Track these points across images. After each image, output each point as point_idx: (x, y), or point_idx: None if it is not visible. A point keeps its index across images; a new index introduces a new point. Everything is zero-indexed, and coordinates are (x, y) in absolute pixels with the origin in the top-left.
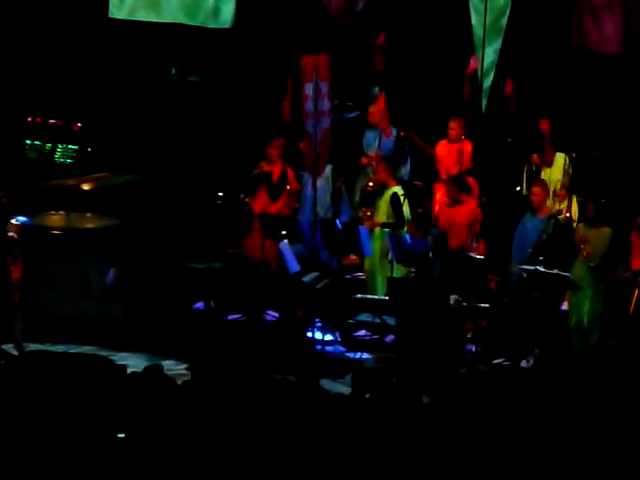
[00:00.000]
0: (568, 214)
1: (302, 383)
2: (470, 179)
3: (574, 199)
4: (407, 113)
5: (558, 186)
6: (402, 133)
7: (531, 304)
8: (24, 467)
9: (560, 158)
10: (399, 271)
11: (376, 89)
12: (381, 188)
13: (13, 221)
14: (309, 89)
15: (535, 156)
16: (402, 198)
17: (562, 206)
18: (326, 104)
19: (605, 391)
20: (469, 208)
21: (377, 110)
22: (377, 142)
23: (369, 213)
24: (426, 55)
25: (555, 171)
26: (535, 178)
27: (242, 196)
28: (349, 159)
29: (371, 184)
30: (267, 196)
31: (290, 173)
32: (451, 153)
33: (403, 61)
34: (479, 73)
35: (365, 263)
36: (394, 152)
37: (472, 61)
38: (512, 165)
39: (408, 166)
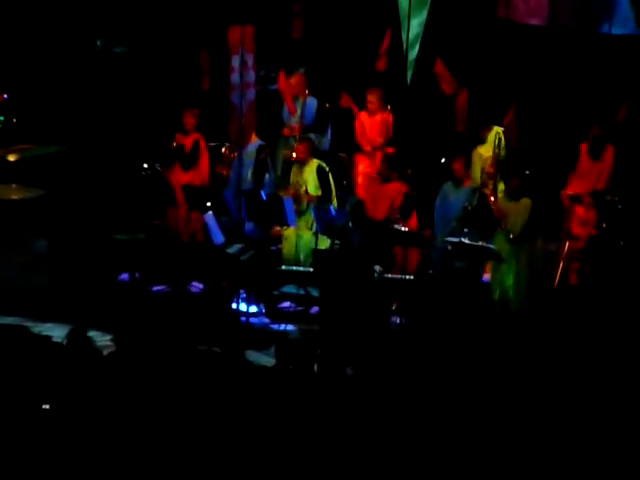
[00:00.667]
0: (492, 197)
1: (227, 355)
2: (390, 149)
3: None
4: (326, 84)
5: (488, 163)
6: (327, 105)
7: (455, 276)
8: None
9: (491, 134)
10: (323, 242)
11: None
12: (299, 164)
13: None
14: (235, 61)
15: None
16: (327, 169)
17: (490, 183)
18: (252, 76)
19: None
20: (396, 185)
21: (281, 85)
22: (297, 113)
23: (304, 188)
24: (343, 24)
25: (487, 147)
26: (457, 153)
27: (157, 165)
28: (272, 130)
29: (293, 154)
30: (180, 166)
31: (202, 143)
32: (373, 125)
33: (320, 31)
34: (404, 45)
35: (285, 233)
36: (315, 123)
37: (387, 34)
38: (437, 137)
39: (329, 136)
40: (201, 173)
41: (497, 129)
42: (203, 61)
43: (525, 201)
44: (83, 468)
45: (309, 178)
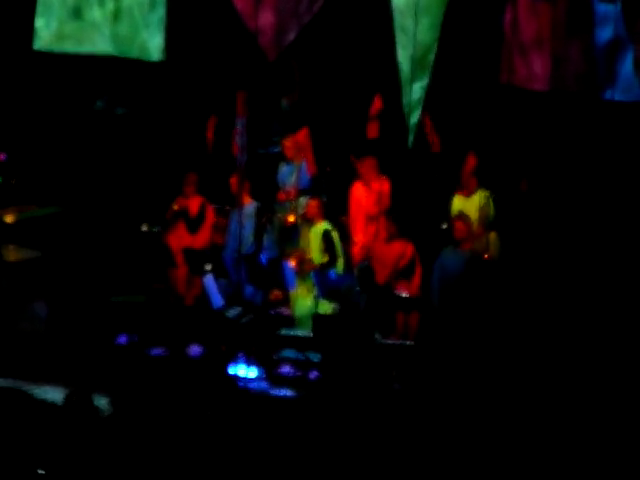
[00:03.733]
0: (486, 255)
1: (220, 418)
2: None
3: (492, 236)
4: (320, 149)
5: (474, 223)
6: (327, 169)
7: (454, 344)
8: None
9: (478, 195)
10: (324, 307)
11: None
12: (307, 225)
13: None
14: (240, 124)
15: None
16: (333, 234)
17: (479, 244)
18: (245, 139)
19: None
20: (402, 245)
21: (293, 144)
22: (293, 176)
23: (309, 256)
24: (341, 90)
25: (472, 207)
26: (458, 213)
27: (157, 229)
28: (272, 194)
29: (290, 219)
30: (185, 230)
31: (209, 207)
32: (369, 194)
33: (317, 95)
34: (405, 110)
35: (291, 298)
36: (311, 187)
37: (376, 100)
38: (437, 201)
39: (325, 201)
40: (207, 236)
41: (485, 192)
42: (210, 125)
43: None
44: None
45: (314, 242)
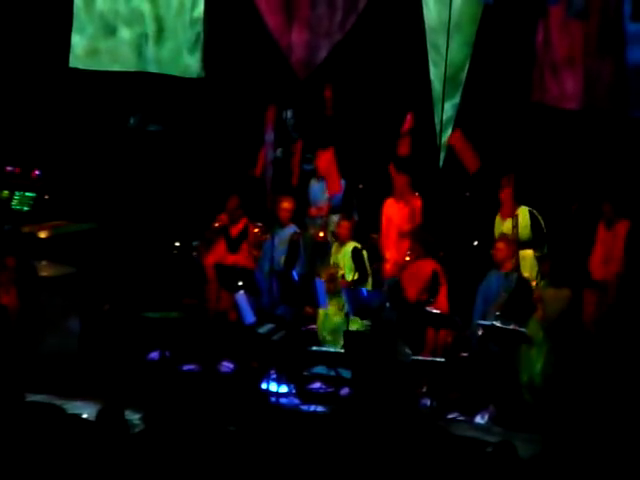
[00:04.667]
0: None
1: (247, 434)
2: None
3: (529, 255)
4: (352, 166)
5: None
6: (360, 186)
7: (487, 359)
8: None
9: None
10: (354, 324)
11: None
12: (338, 244)
13: None
14: (269, 139)
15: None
16: (363, 252)
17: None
18: (273, 154)
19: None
20: (430, 262)
21: (322, 161)
22: (325, 193)
23: (341, 272)
24: (373, 108)
25: (508, 226)
26: (500, 233)
27: (195, 243)
28: (304, 210)
29: (321, 234)
30: (225, 248)
31: (251, 228)
32: (401, 210)
33: (350, 113)
34: (437, 128)
35: (318, 315)
36: (342, 205)
37: (409, 117)
38: (470, 219)
39: (355, 218)
40: (246, 255)
41: (522, 209)
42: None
43: (565, 292)
44: None
45: (344, 260)
